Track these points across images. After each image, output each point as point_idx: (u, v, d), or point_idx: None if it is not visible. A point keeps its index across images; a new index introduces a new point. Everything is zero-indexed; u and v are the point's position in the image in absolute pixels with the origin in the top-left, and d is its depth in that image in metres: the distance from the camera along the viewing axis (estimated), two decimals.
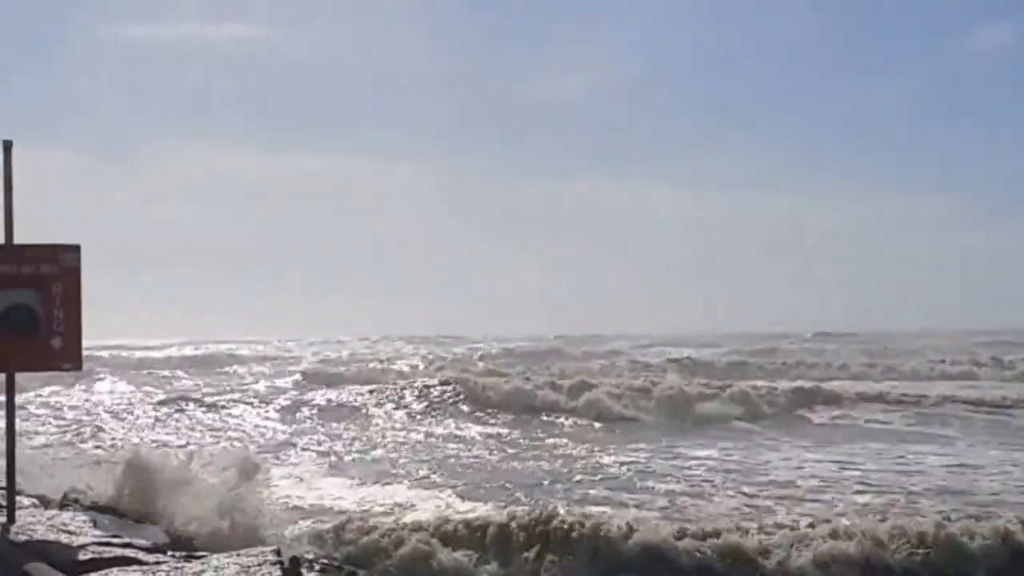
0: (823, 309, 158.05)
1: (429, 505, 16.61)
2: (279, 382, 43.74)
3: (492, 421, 30.22)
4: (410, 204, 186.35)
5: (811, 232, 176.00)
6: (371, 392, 35.65)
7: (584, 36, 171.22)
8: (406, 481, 19.22)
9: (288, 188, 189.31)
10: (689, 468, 21.21)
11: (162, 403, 33.35)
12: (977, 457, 22.84)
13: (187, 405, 33.14)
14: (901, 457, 22.73)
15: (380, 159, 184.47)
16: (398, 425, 29.33)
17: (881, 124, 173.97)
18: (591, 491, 18.55)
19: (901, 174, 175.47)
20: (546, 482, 19.62)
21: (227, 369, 57.29)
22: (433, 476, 20.02)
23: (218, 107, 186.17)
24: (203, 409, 32.25)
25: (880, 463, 21.96)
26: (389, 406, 33.23)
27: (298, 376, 45.80)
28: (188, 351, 74.71)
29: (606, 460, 22.35)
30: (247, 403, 34.01)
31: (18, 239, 8.87)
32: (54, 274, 8.81)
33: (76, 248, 8.94)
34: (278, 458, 21.67)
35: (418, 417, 31.23)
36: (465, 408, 32.48)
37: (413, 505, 16.61)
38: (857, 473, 20.76)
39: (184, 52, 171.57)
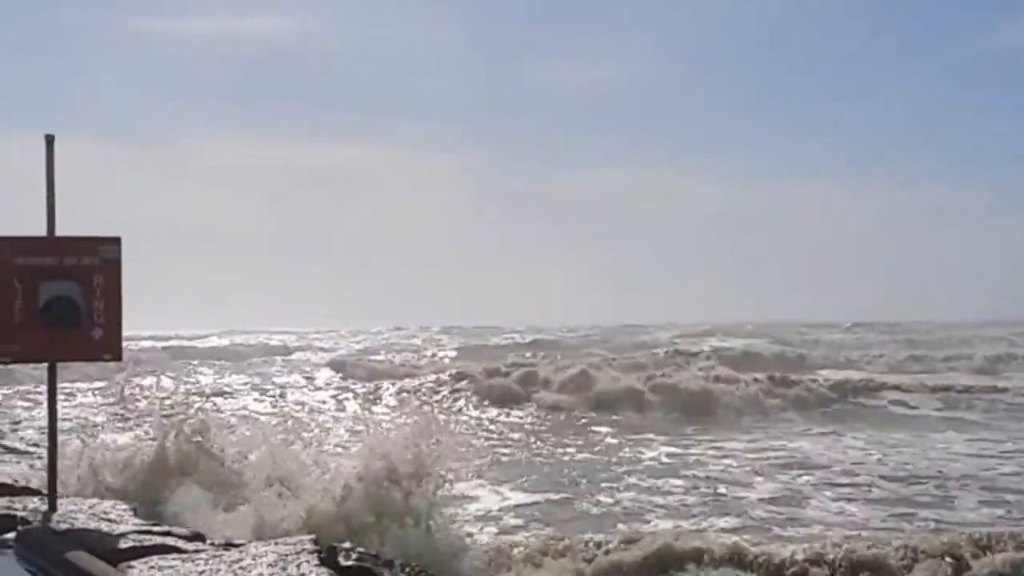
0: (862, 299, 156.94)
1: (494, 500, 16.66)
2: (320, 373, 43.68)
3: (533, 411, 30.23)
4: (442, 194, 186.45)
5: (848, 223, 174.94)
6: (412, 383, 35.79)
7: (618, 24, 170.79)
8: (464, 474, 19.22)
9: (320, 178, 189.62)
10: (727, 457, 21.29)
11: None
12: (1002, 445, 22.96)
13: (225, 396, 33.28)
14: (932, 446, 22.85)
15: (411, 149, 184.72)
16: (446, 416, 29.25)
17: (917, 114, 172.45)
18: (635, 480, 18.67)
19: (938, 164, 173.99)
20: (599, 473, 19.76)
21: (266, 358, 57.34)
22: (486, 469, 20.07)
23: (250, 98, 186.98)
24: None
25: (911, 450, 22.08)
26: (434, 396, 33.24)
27: (334, 367, 45.83)
28: (223, 342, 74.90)
29: (648, 452, 22.43)
30: (294, 393, 34.08)
31: (60, 231, 8.98)
32: (95, 266, 8.91)
33: (117, 240, 9.04)
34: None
35: (458, 407, 31.22)
36: (502, 398, 32.50)
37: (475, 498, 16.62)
38: (895, 459, 20.87)
39: (218, 44, 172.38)
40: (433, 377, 36.88)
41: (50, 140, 8.97)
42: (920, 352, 52.80)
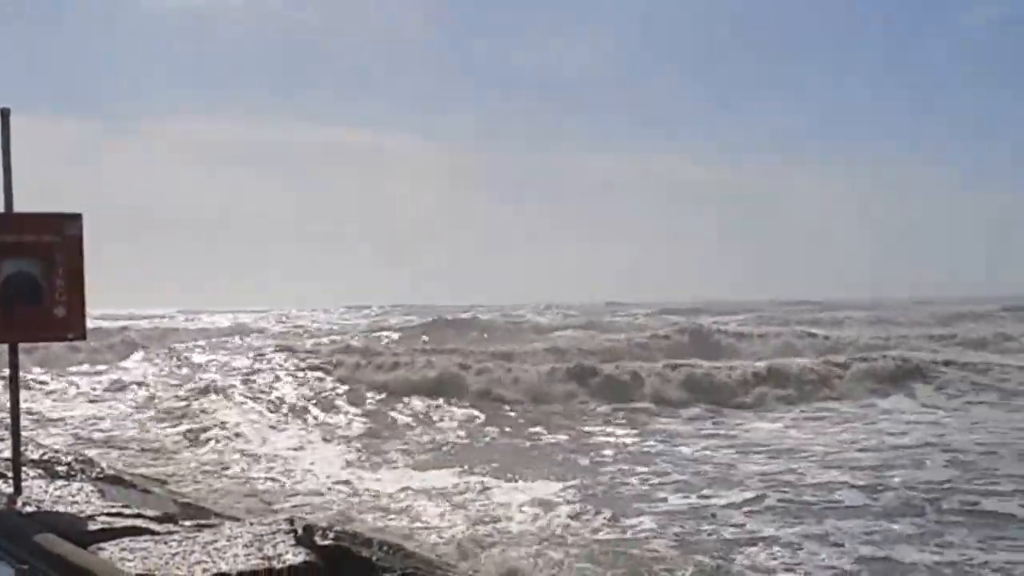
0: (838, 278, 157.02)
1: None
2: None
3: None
4: (411, 175, 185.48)
5: (818, 201, 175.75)
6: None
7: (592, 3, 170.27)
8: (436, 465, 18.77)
9: (291, 156, 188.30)
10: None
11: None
12: None
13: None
14: None
15: (380, 129, 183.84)
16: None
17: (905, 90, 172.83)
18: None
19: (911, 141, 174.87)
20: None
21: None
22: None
23: (220, 76, 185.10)
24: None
25: None
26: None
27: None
28: (182, 320, 74.39)
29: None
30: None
31: (20, 208, 8.76)
32: (56, 243, 8.72)
33: (78, 217, 8.85)
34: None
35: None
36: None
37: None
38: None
39: (186, 20, 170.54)
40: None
41: (5, 114, 8.74)
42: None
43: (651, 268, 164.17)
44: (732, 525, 13.57)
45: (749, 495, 15.32)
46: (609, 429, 23.09)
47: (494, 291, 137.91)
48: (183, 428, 22.32)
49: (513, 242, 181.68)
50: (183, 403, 26.05)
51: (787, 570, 11.54)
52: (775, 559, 11.89)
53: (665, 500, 15.14)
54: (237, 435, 21.54)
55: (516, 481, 16.51)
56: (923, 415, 24.59)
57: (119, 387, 29.51)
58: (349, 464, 18.61)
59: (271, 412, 24.95)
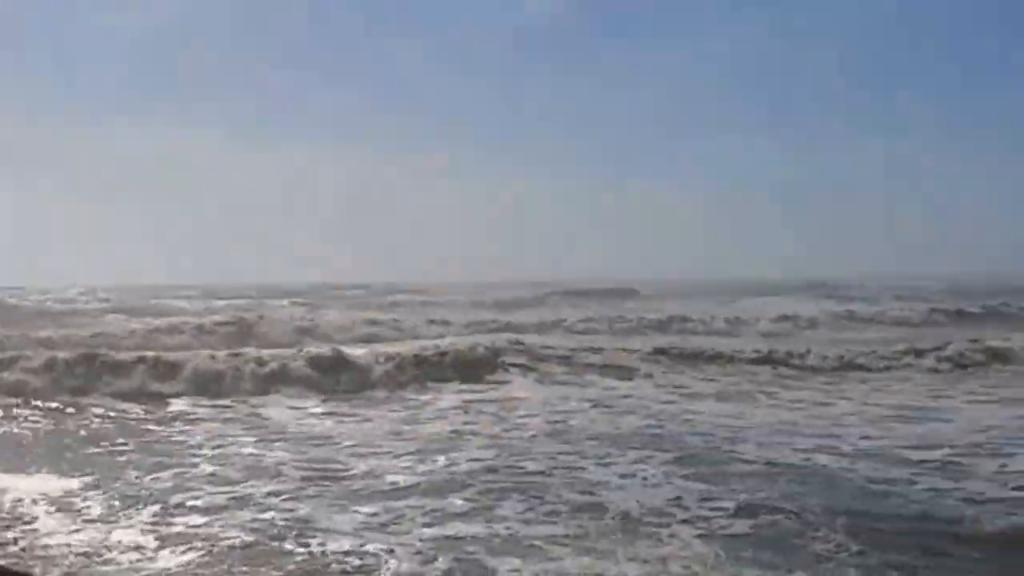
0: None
1: None
2: None
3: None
4: None
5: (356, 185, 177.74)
6: None
7: None
8: None
9: None
10: None
11: None
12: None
13: None
14: None
15: None
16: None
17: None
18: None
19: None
20: None
21: None
22: None
23: None
24: None
25: None
26: None
27: None
28: None
29: None
30: None
31: None
32: None
33: None
34: None
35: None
36: None
37: None
38: None
39: None
40: None
41: None
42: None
43: (206, 252, 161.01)
44: (281, 512, 13.09)
45: (290, 484, 14.84)
46: (141, 417, 22.04)
47: (33, 272, 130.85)
48: None
49: (59, 223, 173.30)
50: None
51: (373, 555, 11.18)
52: (348, 548, 11.43)
53: (204, 491, 14.39)
54: None
55: (38, 475, 15.40)
56: (462, 397, 24.79)
57: None
58: None
59: None
